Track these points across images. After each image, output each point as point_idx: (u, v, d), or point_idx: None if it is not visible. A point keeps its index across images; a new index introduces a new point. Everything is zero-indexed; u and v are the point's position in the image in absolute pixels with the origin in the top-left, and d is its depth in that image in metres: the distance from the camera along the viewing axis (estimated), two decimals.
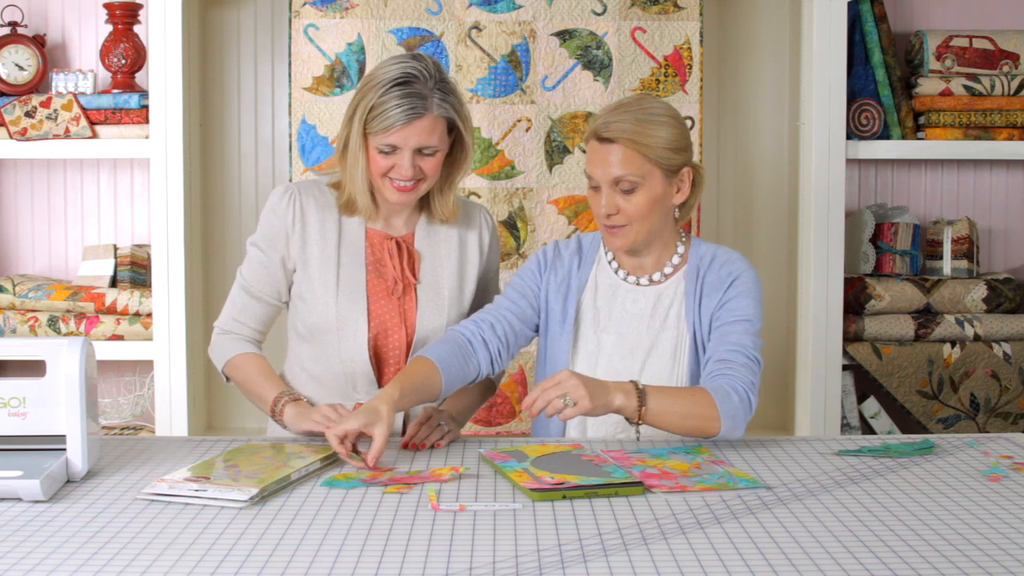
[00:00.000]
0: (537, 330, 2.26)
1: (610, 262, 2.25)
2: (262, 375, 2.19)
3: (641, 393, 1.96)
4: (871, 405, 3.31)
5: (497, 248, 2.36)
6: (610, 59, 3.19)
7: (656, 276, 2.21)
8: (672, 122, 2.13)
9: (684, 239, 2.25)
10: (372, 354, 2.20)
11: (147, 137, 3.13)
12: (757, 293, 2.16)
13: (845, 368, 3.27)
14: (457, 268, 2.26)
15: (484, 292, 2.33)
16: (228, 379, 2.26)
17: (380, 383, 2.22)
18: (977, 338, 3.23)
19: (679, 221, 2.24)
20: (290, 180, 3.19)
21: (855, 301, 3.26)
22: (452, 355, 2.11)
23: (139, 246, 3.30)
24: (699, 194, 2.23)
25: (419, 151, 2.13)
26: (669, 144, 2.11)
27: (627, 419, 1.98)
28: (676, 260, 2.22)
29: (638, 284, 2.22)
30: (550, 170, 3.20)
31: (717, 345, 2.11)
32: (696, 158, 3.08)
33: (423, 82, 2.11)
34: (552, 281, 2.24)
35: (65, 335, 3.14)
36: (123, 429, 3.24)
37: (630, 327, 2.19)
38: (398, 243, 2.25)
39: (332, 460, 1.91)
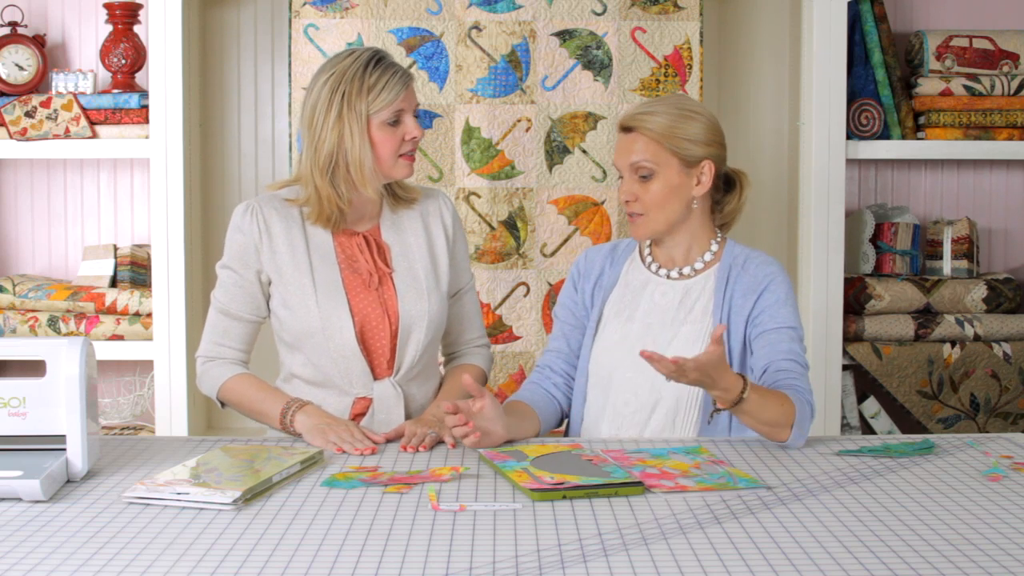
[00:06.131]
0: None
1: (645, 256, 2.30)
2: (260, 391, 2.21)
3: (745, 386, 1.94)
4: (871, 405, 3.31)
5: (461, 228, 2.40)
6: (610, 59, 3.19)
7: (686, 270, 2.25)
8: (699, 118, 2.20)
9: (719, 239, 2.28)
10: (362, 347, 2.23)
11: (147, 137, 3.13)
12: (793, 298, 2.21)
13: (845, 368, 3.27)
14: (427, 251, 2.31)
15: (456, 276, 2.37)
16: (223, 405, 2.27)
17: (374, 375, 2.25)
18: (977, 338, 3.23)
19: (724, 227, 2.30)
20: None
21: (855, 301, 3.26)
22: (534, 397, 2.26)
23: (139, 246, 3.30)
24: (742, 199, 2.28)
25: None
26: (689, 136, 2.18)
27: (714, 403, 1.98)
28: (708, 257, 2.26)
29: (668, 277, 2.26)
30: (550, 170, 3.20)
31: (768, 353, 2.14)
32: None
33: (387, 57, 2.23)
34: (586, 287, 2.31)
35: (65, 335, 3.14)
36: (123, 429, 3.24)
37: (656, 318, 2.22)
38: (365, 238, 2.28)
39: (312, 462, 1.91)
